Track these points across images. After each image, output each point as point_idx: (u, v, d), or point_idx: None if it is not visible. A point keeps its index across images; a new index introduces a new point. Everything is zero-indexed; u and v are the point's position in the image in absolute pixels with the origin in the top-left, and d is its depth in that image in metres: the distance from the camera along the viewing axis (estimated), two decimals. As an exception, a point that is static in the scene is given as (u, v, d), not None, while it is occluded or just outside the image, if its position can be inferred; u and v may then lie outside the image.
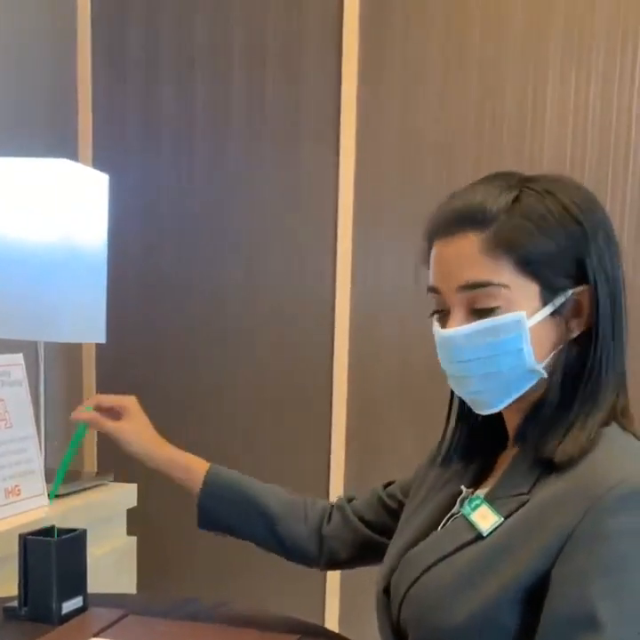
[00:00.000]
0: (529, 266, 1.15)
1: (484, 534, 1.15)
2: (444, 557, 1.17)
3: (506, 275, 1.15)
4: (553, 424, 1.17)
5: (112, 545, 2.26)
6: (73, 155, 2.96)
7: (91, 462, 3.05)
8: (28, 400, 2.16)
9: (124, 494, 2.33)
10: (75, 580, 1.59)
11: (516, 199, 1.16)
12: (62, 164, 2.25)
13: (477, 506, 1.19)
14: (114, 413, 1.60)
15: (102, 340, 2.42)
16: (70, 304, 2.31)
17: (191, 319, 3.03)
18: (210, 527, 1.56)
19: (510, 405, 1.22)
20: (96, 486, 2.31)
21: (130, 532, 2.36)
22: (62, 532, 1.62)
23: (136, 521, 2.39)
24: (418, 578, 1.19)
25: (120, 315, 2.86)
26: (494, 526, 1.14)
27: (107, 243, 2.44)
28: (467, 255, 1.14)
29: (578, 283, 1.17)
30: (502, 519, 1.14)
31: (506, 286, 1.15)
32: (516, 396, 1.20)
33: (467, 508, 1.20)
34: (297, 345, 2.92)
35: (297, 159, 2.88)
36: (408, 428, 2.81)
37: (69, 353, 3.01)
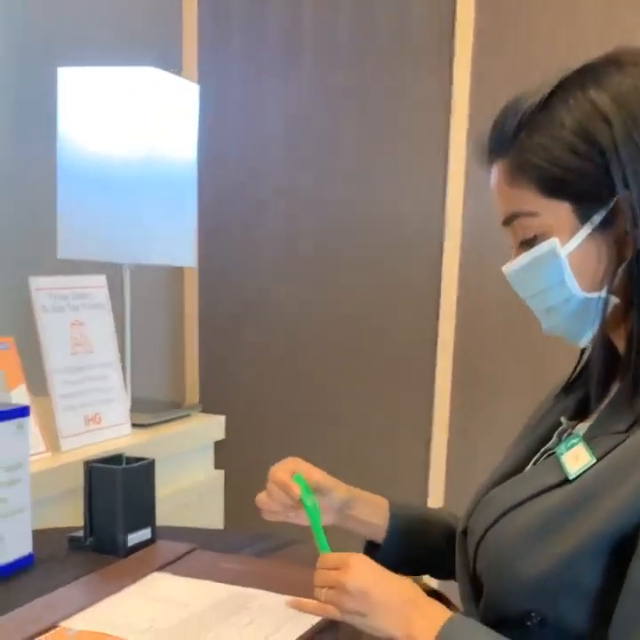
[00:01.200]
0: (552, 186, 1.03)
1: (571, 477, 1.01)
2: (524, 501, 1.04)
3: (530, 201, 1.04)
4: None
5: (198, 478, 2.21)
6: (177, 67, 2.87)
7: (193, 393, 3.01)
8: (110, 325, 2.11)
9: (212, 426, 2.27)
10: (142, 511, 1.54)
11: (539, 109, 1.04)
12: (149, 73, 2.16)
13: (573, 445, 1.05)
14: None
15: (192, 263, 2.36)
16: (157, 224, 2.25)
17: (293, 251, 2.93)
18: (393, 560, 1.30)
19: (617, 333, 1.08)
20: (183, 417, 2.25)
21: (217, 466, 2.30)
22: (131, 460, 1.55)
23: (224, 454, 2.33)
24: (494, 522, 1.06)
25: (214, 238, 2.78)
26: (584, 468, 1.00)
27: (197, 160, 2.36)
28: (497, 187, 1.09)
29: (615, 193, 1.01)
30: (594, 460, 1.00)
31: (534, 214, 1.05)
32: (594, 327, 1.06)
33: (561, 447, 1.07)
34: (404, 283, 2.79)
35: (407, 86, 2.71)
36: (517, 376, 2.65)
37: (168, 276, 2.96)
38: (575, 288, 1.05)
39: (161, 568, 1.42)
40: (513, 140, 1.05)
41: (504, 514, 1.05)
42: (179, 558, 1.47)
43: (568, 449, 1.05)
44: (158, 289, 2.87)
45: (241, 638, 1.18)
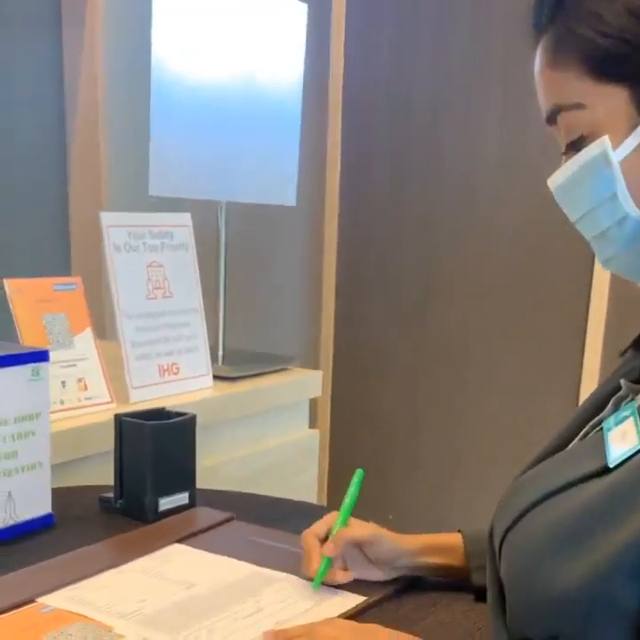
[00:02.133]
0: (603, 64, 0.77)
1: (611, 465, 0.76)
2: (555, 493, 0.80)
3: (576, 88, 0.79)
4: None
5: (291, 437, 2.04)
6: None
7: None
8: (194, 268, 1.96)
9: (308, 382, 2.09)
10: (178, 472, 1.37)
11: None
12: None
13: (624, 419, 0.80)
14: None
15: (291, 202, 2.16)
16: (257, 159, 2.08)
17: (432, 196, 2.70)
18: None
19: None
20: (278, 371, 2.08)
21: (312, 425, 2.12)
22: (172, 415, 1.40)
23: (320, 413, 2.16)
24: (518, 519, 0.82)
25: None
26: (629, 453, 0.75)
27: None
28: (540, 73, 0.84)
29: None
30: None
31: (580, 106, 0.79)
32: None
33: (610, 421, 0.82)
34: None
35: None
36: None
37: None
38: (630, 205, 0.78)
39: (183, 539, 1.26)
40: (557, 6, 0.80)
41: (528, 509, 0.81)
42: (209, 528, 1.30)
43: (617, 423, 0.80)
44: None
45: (235, 631, 1.00)
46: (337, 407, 2.74)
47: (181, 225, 1.96)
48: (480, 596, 1.10)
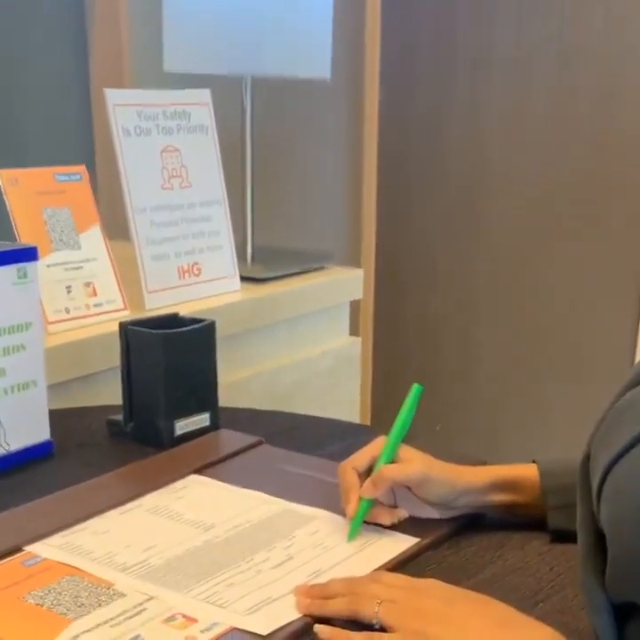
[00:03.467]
0: None
1: None
2: None
3: None
4: None
5: (330, 345, 1.86)
6: None
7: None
8: (215, 152, 1.76)
9: (348, 282, 1.89)
10: (197, 390, 1.20)
11: None
12: None
13: None
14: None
15: (325, 75, 1.94)
16: (284, 26, 1.86)
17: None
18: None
19: None
20: (313, 270, 1.88)
21: (353, 331, 1.94)
22: (187, 322, 1.22)
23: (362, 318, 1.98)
24: (627, 448, 0.64)
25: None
26: None
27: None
28: None
29: None
30: None
31: None
32: None
33: None
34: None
35: None
36: None
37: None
38: None
39: (202, 469, 1.09)
40: None
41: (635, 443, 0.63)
42: (233, 455, 1.13)
43: None
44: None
45: (260, 587, 0.83)
46: (381, 312, 2.54)
47: (200, 103, 1.75)
48: (557, 537, 0.93)
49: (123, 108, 1.63)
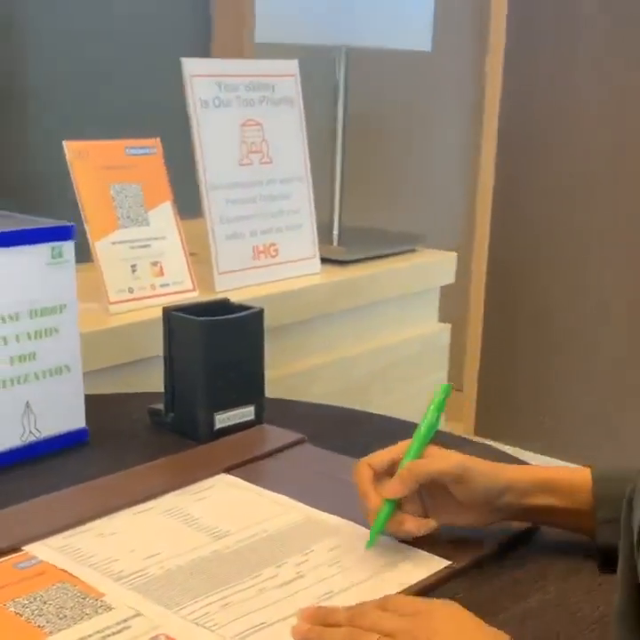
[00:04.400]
0: None
1: None
2: None
3: None
4: None
5: (417, 331, 1.76)
6: None
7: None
8: (300, 127, 1.69)
9: (440, 266, 1.79)
10: (241, 381, 1.13)
11: None
12: None
13: None
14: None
15: (426, 47, 1.84)
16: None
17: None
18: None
19: None
20: (402, 253, 1.79)
21: (443, 318, 1.84)
22: (236, 309, 1.15)
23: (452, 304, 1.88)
24: None
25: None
26: None
27: None
28: None
29: None
30: None
31: None
32: None
33: None
34: None
35: None
36: None
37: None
38: None
39: (233, 468, 1.02)
40: None
41: None
42: (269, 454, 1.06)
43: None
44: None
45: (258, 609, 0.76)
46: (492, 300, 2.42)
47: (286, 74, 1.68)
48: (607, 561, 0.82)
49: (200, 78, 1.57)
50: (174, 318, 1.12)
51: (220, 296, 1.39)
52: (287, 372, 1.53)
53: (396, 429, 1.15)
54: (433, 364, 1.79)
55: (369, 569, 0.83)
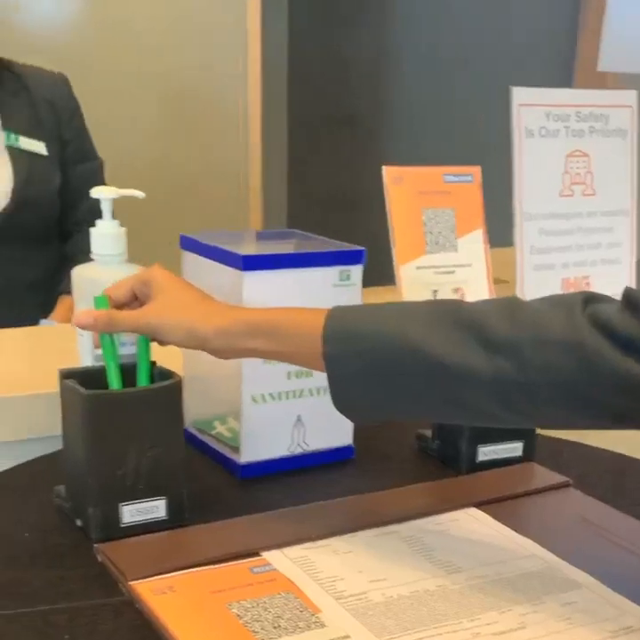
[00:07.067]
0: None
1: None
2: None
3: None
4: None
5: None
6: None
7: None
8: (630, 159, 1.63)
9: None
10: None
11: None
12: None
13: None
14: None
15: None
16: None
17: None
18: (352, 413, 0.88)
19: None
20: None
21: None
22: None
23: None
24: None
25: None
26: None
27: None
28: None
29: None
30: None
31: None
32: None
33: None
34: None
35: None
36: None
37: None
38: None
39: (486, 503, 1.01)
40: None
41: None
42: (527, 494, 1.04)
43: None
44: None
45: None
46: None
47: (622, 105, 1.62)
48: None
49: (529, 108, 1.56)
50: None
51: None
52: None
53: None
54: None
55: (602, 632, 0.78)
